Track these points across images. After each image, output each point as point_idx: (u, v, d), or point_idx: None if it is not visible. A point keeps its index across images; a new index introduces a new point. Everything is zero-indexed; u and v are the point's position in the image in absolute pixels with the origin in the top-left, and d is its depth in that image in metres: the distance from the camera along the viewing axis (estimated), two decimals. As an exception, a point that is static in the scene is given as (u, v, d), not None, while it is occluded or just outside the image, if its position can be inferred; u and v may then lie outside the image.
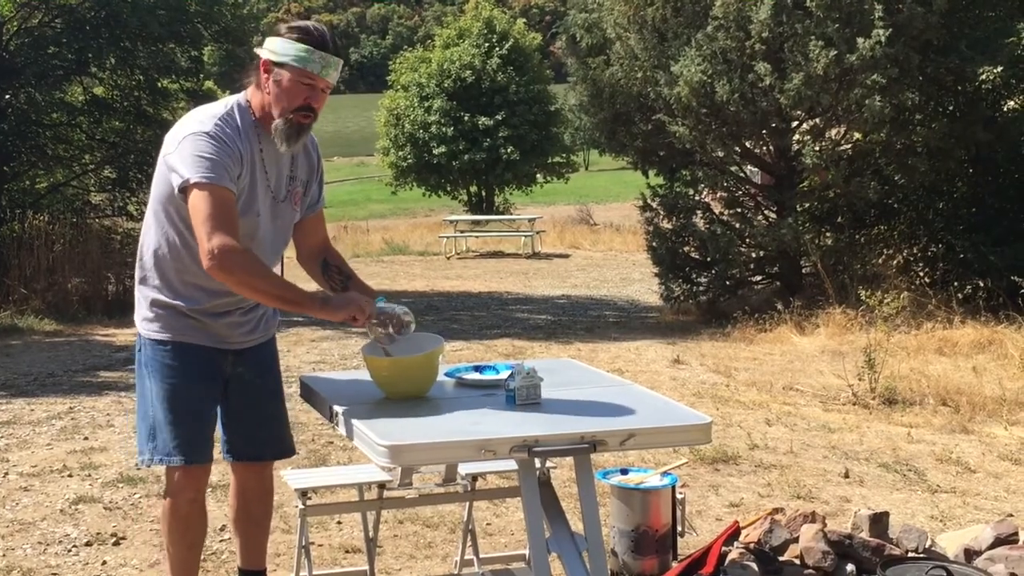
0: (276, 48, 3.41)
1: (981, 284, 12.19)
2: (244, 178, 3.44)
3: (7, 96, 15.36)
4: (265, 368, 3.80)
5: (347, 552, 4.99)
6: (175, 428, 3.54)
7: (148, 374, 3.57)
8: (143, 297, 3.60)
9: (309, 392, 3.75)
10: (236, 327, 3.64)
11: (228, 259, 3.26)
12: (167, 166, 3.42)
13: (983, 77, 12.54)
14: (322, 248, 3.84)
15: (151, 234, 3.57)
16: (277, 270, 3.68)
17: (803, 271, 13.37)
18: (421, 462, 3.42)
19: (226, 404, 3.69)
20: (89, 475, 6.31)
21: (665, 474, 4.68)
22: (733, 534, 4.49)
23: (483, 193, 34.41)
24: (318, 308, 3.36)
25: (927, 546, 4.41)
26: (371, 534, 4.49)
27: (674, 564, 4.47)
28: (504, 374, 3.78)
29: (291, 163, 3.62)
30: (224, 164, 3.33)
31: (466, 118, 31.72)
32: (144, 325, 3.58)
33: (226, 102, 3.51)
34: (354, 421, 3.16)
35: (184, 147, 3.35)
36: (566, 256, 24.26)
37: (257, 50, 3.50)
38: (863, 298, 9.56)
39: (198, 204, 3.29)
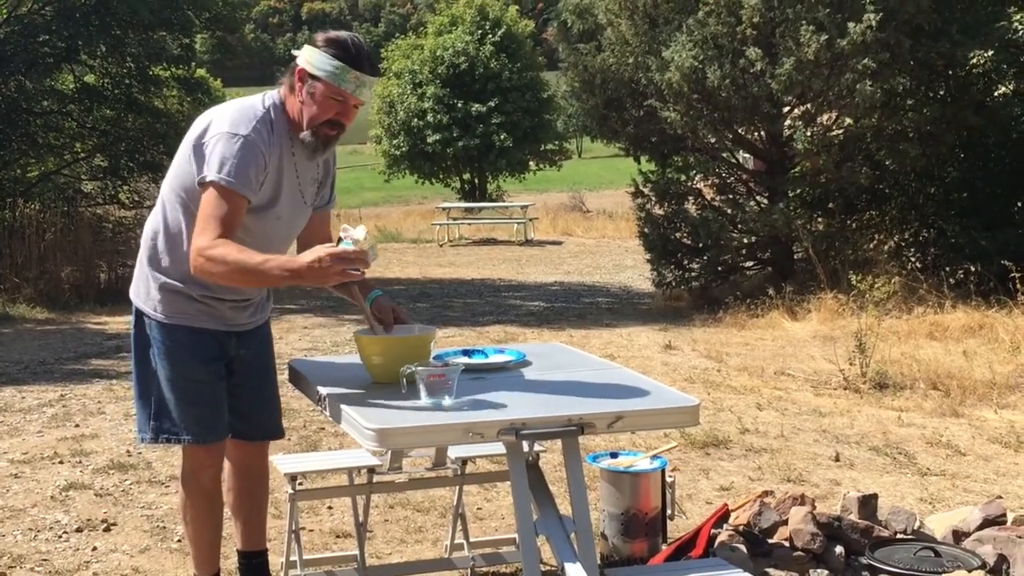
0: (312, 60, 3.38)
1: (972, 269, 12.20)
2: (268, 186, 3.44)
3: (-3, 84, 15.33)
4: (263, 350, 3.85)
5: (337, 537, 5.00)
6: (186, 409, 3.57)
7: (155, 355, 3.59)
8: (152, 278, 3.59)
9: (297, 376, 3.75)
10: (241, 310, 3.67)
11: (201, 259, 3.29)
12: (195, 155, 3.41)
13: (974, 62, 12.56)
14: (324, 242, 3.84)
15: (165, 215, 3.56)
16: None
17: (795, 256, 13.38)
18: (408, 445, 3.42)
19: (228, 384, 3.70)
20: (80, 462, 6.31)
21: (655, 457, 4.68)
22: (722, 517, 4.50)
23: (476, 180, 34.43)
24: (290, 281, 3.29)
25: (915, 527, 4.42)
26: (361, 519, 4.49)
27: (663, 547, 4.48)
28: (494, 358, 3.79)
29: (317, 168, 3.65)
30: (248, 171, 3.34)
31: (459, 105, 31.71)
32: (151, 307, 3.58)
33: (263, 100, 3.49)
34: (341, 405, 3.16)
35: (217, 145, 3.35)
36: (559, 243, 24.28)
37: (295, 52, 3.47)
38: (854, 283, 9.58)
39: (209, 203, 3.32)
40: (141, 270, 3.64)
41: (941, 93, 12.73)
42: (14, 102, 15.60)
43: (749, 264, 14.04)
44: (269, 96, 3.51)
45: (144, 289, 3.62)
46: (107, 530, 5.13)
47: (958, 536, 4.35)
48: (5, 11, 15.77)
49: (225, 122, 3.40)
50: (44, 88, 16.17)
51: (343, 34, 3.44)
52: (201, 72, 26.08)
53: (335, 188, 3.87)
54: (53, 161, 16.97)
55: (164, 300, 3.56)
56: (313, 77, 3.38)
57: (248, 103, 3.49)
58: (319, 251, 3.16)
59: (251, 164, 3.35)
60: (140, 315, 3.63)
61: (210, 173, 3.32)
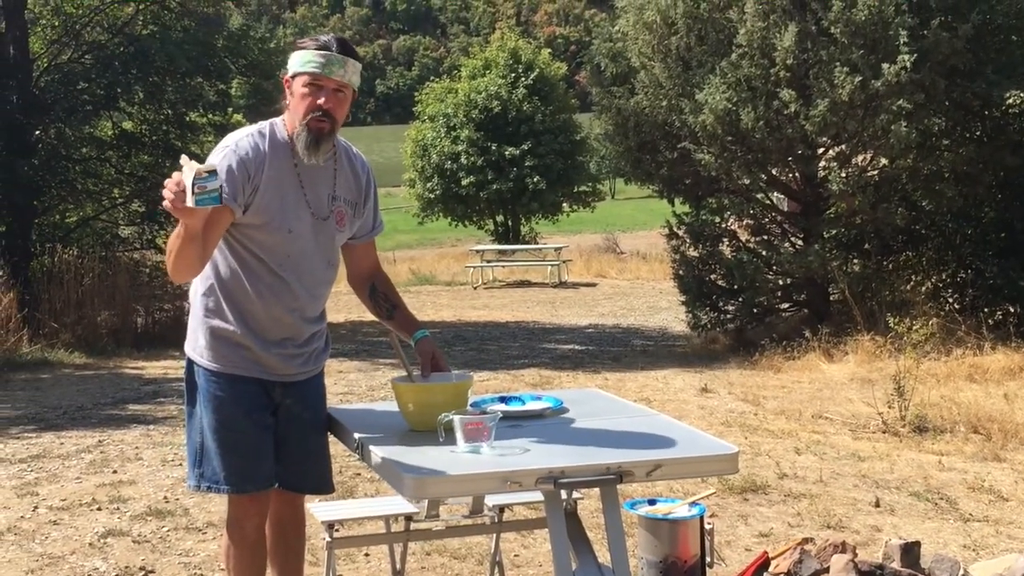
0: (289, 63, 3.51)
1: (1011, 309, 12.11)
2: (264, 196, 3.47)
3: (37, 132, 15.52)
4: (312, 402, 3.79)
5: (374, 584, 4.98)
6: (225, 458, 3.57)
7: (200, 401, 3.61)
8: (199, 323, 3.63)
9: (334, 423, 3.75)
10: (290, 360, 3.64)
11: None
12: None
13: (1010, 101, 12.46)
14: (371, 273, 3.86)
15: (214, 260, 3.58)
16: (322, 297, 3.72)
17: (831, 298, 13.30)
18: (446, 495, 3.40)
19: (275, 433, 3.69)
20: (118, 508, 6.33)
21: (693, 504, 4.64)
22: (762, 564, 4.45)
23: (509, 223, 34.47)
24: (185, 230, 3.28)
25: (960, 576, 4.36)
26: (398, 566, 4.48)
27: (703, 595, 4.43)
28: (531, 405, 3.77)
29: (332, 182, 3.63)
30: (229, 180, 3.39)
31: (493, 148, 31.84)
32: (197, 353, 3.62)
33: (263, 122, 3.60)
34: (379, 453, 3.15)
35: (208, 159, 3.46)
36: (593, 285, 24.25)
37: None
38: (892, 325, 9.50)
39: None
40: (195, 317, 3.67)
41: (977, 133, 12.67)
42: (54, 149, 15.79)
43: (785, 306, 13.97)
44: (270, 120, 3.61)
45: (193, 336, 3.66)
46: (145, 577, 5.13)
47: (1003, 584, 4.29)
48: (46, 60, 16.02)
49: (224, 140, 3.55)
50: (83, 135, 16.35)
51: (322, 36, 3.54)
52: (237, 117, 26.25)
53: (379, 214, 3.86)
54: (91, 207, 17.12)
55: (211, 347, 3.58)
56: (292, 78, 3.50)
57: (251, 125, 3.62)
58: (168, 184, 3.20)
59: (233, 171, 3.41)
60: (189, 363, 3.67)
61: None
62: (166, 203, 3.16)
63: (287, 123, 3.55)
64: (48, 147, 15.75)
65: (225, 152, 3.46)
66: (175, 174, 3.17)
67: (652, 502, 4.67)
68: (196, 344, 3.63)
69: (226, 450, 3.57)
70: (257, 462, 3.62)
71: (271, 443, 3.66)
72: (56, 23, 16.18)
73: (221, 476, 3.58)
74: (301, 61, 3.46)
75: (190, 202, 3.12)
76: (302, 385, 3.73)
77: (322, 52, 3.43)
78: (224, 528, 3.78)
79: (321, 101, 3.44)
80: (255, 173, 3.46)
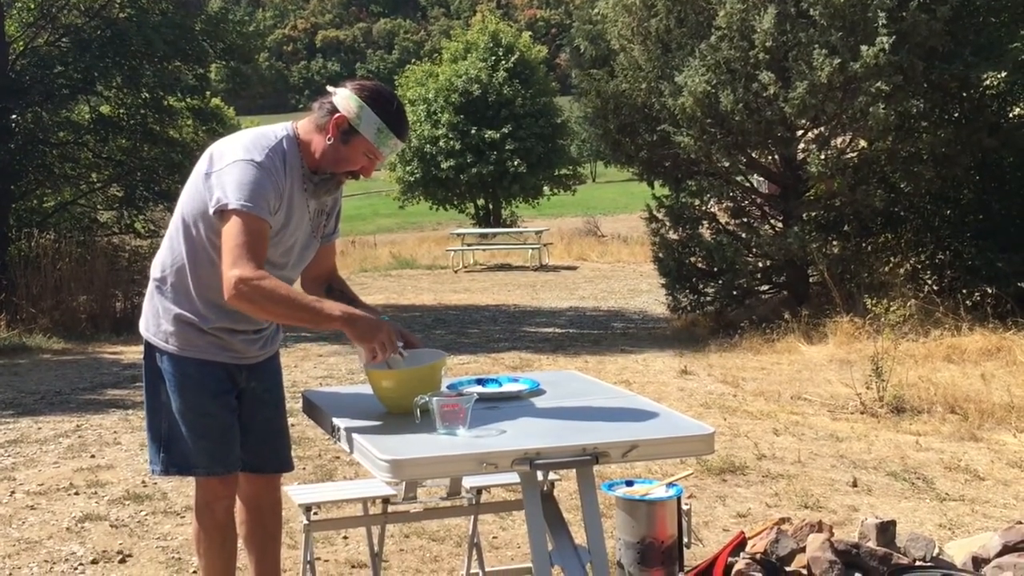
0: (355, 112, 3.38)
1: (989, 291, 12.15)
2: (281, 213, 3.44)
3: (14, 116, 15.44)
4: (273, 382, 3.83)
5: (353, 567, 4.99)
6: (195, 442, 3.56)
7: (166, 388, 3.59)
8: (163, 310, 3.58)
9: (311, 407, 3.74)
10: (251, 343, 3.66)
11: (247, 289, 3.25)
12: (206, 184, 3.41)
13: (988, 83, 12.54)
14: (329, 274, 3.85)
15: (175, 247, 3.55)
16: None
17: (810, 280, 13.35)
18: (423, 476, 3.41)
19: (239, 416, 3.69)
20: (96, 493, 6.31)
21: (671, 485, 4.65)
22: (739, 544, 4.47)
23: (490, 206, 34.47)
24: (341, 325, 3.29)
25: (934, 554, 4.38)
26: (376, 549, 4.48)
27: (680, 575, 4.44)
28: (507, 386, 3.77)
29: (325, 200, 3.64)
30: (266, 196, 3.33)
31: (473, 131, 31.79)
32: (162, 339, 3.58)
33: (276, 131, 3.48)
34: (355, 436, 3.14)
35: (231, 171, 3.34)
36: (574, 268, 24.27)
37: (330, 90, 3.46)
38: (870, 307, 9.55)
39: (232, 230, 3.29)
40: (151, 303, 3.63)
41: (955, 115, 12.71)
42: (31, 133, 15.72)
43: (764, 288, 14.01)
44: (283, 128, 3.50)
45: (155, 322, 3.61)
46: (123, 562, 5.12)
47: (978, 563, 4.31)
48: (22, 43, 15.91)
49: (239, 149, 3.39)
50: (60, 119, 16.27)
51: (388, 92, 3.45)
52: (216, 101, 26.12)
53: (340, 220, 3.87)
54: (69, 191, 17.06)
55: (176, 332, 3.55)
56: (353, 130, 3.39)
57: (261, 132, 3.49)
58: (381, 320, 3.32)
59: (268, 190, 3.33)
60: (151, 348, 3.63)
61: (230, 200, 3.29)
62: (377, 347, 3.30)
63: (309, 141, 3.47)
64: (25, 131, 15.67)
65: (258, 168, 3.34)
66: (391, 334, 3.33)
67: (630, 483, 4.68)
68: (159, 330, 3.59)
69: (196, 434, 3.56)
70: (226, 444, 3.63)
71: (237, 425, 3.67)
72: (32, 6, 16.06)
73: (192, 460, 3.58)
74: (374, 132, 3.39)
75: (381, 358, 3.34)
76: (263, 366, 3.75)
77: (397, 141, 3.43)
78: (194, 514, 3.78)
79: (365, 172, 3.50)
80: (282, 192, 3.42)
